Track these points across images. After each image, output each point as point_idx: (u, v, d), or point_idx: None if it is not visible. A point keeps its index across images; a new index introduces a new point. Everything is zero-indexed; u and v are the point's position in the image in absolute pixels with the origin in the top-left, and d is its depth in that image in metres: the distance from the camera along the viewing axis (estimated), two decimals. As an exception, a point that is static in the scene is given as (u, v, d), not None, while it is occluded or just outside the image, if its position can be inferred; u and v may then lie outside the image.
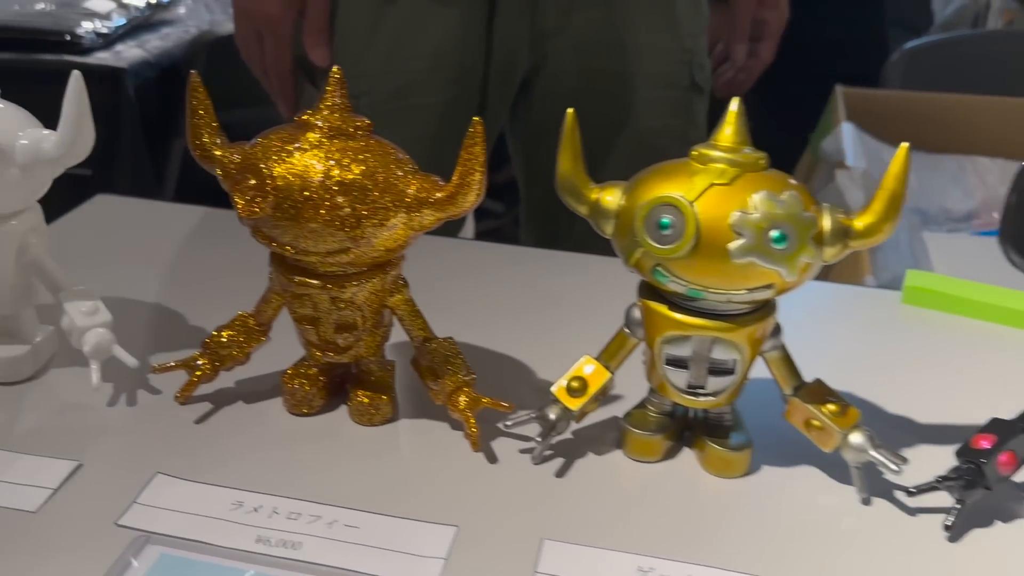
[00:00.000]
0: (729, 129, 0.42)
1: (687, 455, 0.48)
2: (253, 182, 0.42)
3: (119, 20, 1.29)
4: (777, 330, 0.44)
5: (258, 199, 0.42)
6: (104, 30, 1.25)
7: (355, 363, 0.49)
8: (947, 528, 0.42)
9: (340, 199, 0.41)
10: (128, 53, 1.24)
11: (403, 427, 0.49)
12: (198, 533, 0.41)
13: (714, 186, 0.40)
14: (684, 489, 0.45)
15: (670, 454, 0.48)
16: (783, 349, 0.45)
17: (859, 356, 0.60)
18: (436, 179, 0.43)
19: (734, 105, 0.42)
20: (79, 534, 0.40)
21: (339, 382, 0.51)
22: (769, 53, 0.98)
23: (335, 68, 0.44)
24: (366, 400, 0.48)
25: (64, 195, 0.55)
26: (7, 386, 0.50)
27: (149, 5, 1.38)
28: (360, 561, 0.39)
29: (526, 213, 0.95)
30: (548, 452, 0.47)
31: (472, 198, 0.42)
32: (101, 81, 1.17)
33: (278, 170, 0.42)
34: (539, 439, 0.45)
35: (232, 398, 0.50)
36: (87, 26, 1.23)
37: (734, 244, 0.39)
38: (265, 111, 0.93)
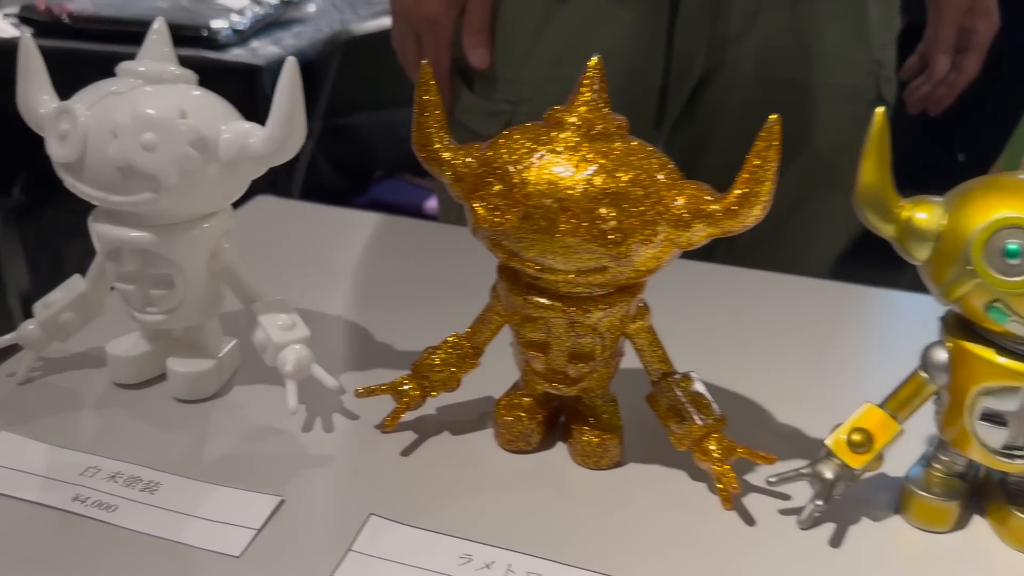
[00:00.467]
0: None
1: (980, 525, 0.40)
2: (498, 188, 0.36)
3: (254, 16, 1.27)
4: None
5: (502, 208, 0.36)
6: (240, 26, 1.23)
7: (577, 396, 0.43)
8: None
9: (604, 210, 0.35)
10: (264, 50, 1.21)
11: (634, 473, 0.43)
12: (427, 593, 0.35)
13: (1072, 206, 0.32)
14: (982, 566, 0.38)
15: (961, 523, 0.40)
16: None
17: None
18: (709, 189, 0.37)
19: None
20: (294, 587, 0.35)
21: (555, 416, 0.44)
22: (975, 66, 0.88)
23: (593, 60, 0.38)
24: (595, 440, 0.42)
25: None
26: (190, 404, 0.46)
27: (281, 2, 1.35)
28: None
29: None
30: (817, 515, 0.39)
31: (758, 212, 0.36)
32: (238, 78, 1.14)
33: (529, 175, 0.36)
34: (819, 503, 0.38)
35: (436, 428, 0.45)
36: (222, 22, 1.21)
37: (1104, 278, 0.31)
38: (400, 113, 0.89)
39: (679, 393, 0.40)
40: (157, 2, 1.27)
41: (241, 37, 1.23)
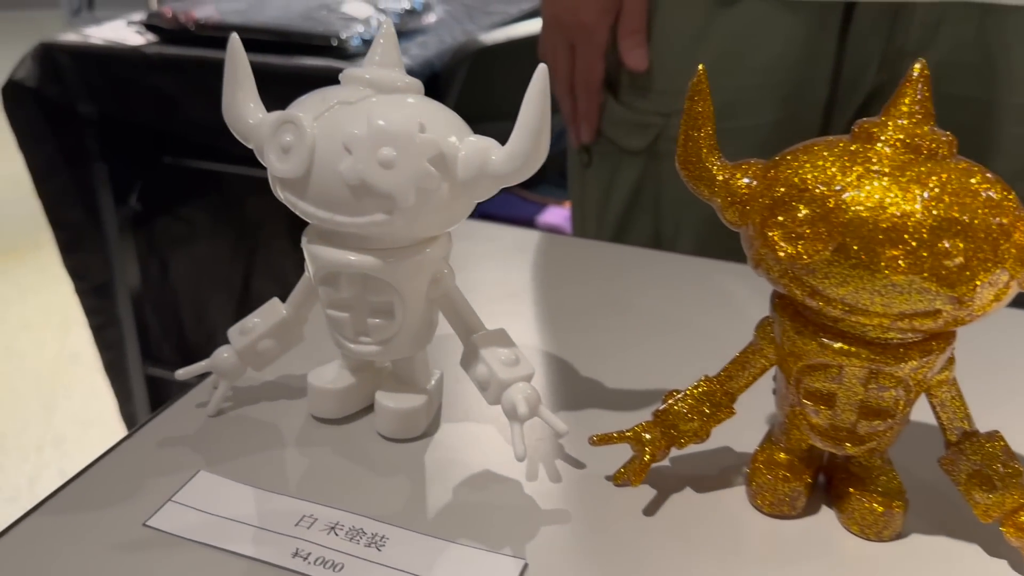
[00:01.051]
0: None
1: None
2: (806, 213, 0.31)
3: (379, 26, 1.25)
4: None
5: (810, 238, 0.30)
6: (368, 36, 1.20)
7: (848, 455, 0.37)
8: None
9: (949, 243, 0.29)
10: (391, 60, 1.18)
11: (919, 545, 0.37)
12: None
13: None
14: None
15: None
16: None
17: None
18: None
19: None
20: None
21: (815, 475, 0.39)
22: None
23: (920, 63, 0.33)
24: (880, 509, 0.36)
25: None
26: (400, 443, 0.41)
27: (405, 12, 1.33)
28: None
29: None
30: None
31: None
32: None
33: (847, 198, 0.30)
34: None
35: (675, 483, 0.40)
36: (351, 31, 1.18)
37: None
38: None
39: (989, 459, 0.34)
40: (279, 11, 1.25)
41: (368, 47, 1.20)
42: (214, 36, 1.19)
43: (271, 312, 0.43)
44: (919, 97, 0.32)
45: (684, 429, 0.38)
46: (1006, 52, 0.68)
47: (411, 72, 1.27)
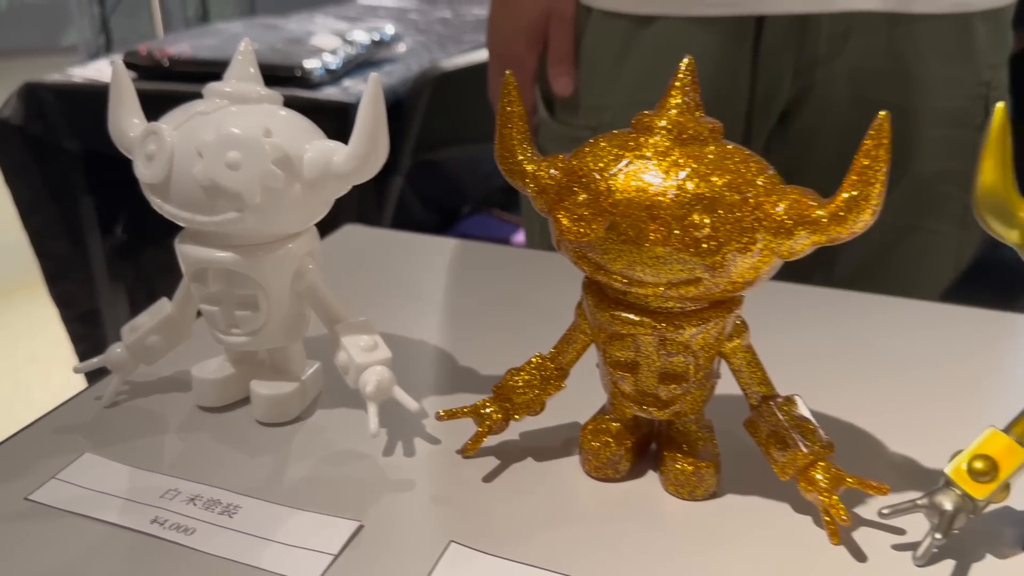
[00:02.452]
0: None
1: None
2: (584, 197, 0.34)
3: (346, 56, 1.30)
4: None
5: (588, 218, 0.34)
6: (332, 66, 1.25)
7: (669, 421, 0.41)
8: None
9: (697, 217, 0.33)
10: (356, 89, 1.24)
11: (731, 505, 0.40)
12: (509, 627, 0.33)
13: None
14: None
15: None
16: None
17: None
18: (814, 194, 0.34)
19: None
20: (370, 616, 0.33)
21: (645, 442, 0.42)
22: None
23: (686, 60, 0.36)
24: (689, 468, 0.39)
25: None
26: (273, 427, 0.45)
27: (373, 43, 1.38)
28: None
29: None
30: (935, 550, 0.36)
31: (867, 217, 0.33)
32: (329, 116, 1.16)
33: (615, 183, 0.34)
34: (938, 536, 0.35)
35: (520, 453, 0.43)
36: (315, 62, 1.24)
37: None
38: (486, 148, 0.88)
39: (782, 418, 0.38)
40: (253, 43, 1.30)
41: (333, 76, 1.25)
42: (187, 71, 1.25)
43: (158, 310, 0.47)
44: (687, 89, 0.36)
45: (518, 402, 0.41)
46: (919, 58, 0.71)
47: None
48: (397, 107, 1.26)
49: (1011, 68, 0.82)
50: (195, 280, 0.44)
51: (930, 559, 0.35)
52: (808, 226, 0.33)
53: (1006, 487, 0.35)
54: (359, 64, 1.33)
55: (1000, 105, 0.33)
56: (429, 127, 1.29)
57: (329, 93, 1.21)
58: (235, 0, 3.99)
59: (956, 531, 0.35)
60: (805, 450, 0.37)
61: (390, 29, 1.44)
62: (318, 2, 2.07)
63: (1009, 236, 0.33)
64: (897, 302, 0.60)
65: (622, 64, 0.74)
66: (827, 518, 0.37)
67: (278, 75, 1.20)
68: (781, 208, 0.34)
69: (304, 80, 1.21)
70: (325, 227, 0.72)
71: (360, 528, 0.38)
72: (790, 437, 0.37)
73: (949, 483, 0.35)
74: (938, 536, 0.35)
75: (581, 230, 0.34)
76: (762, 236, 0.34)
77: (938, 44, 0.71)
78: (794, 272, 0.78)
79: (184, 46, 1.33)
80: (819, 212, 0.33)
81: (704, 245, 0.33)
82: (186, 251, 0.43)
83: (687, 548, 0.37)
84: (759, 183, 0.34)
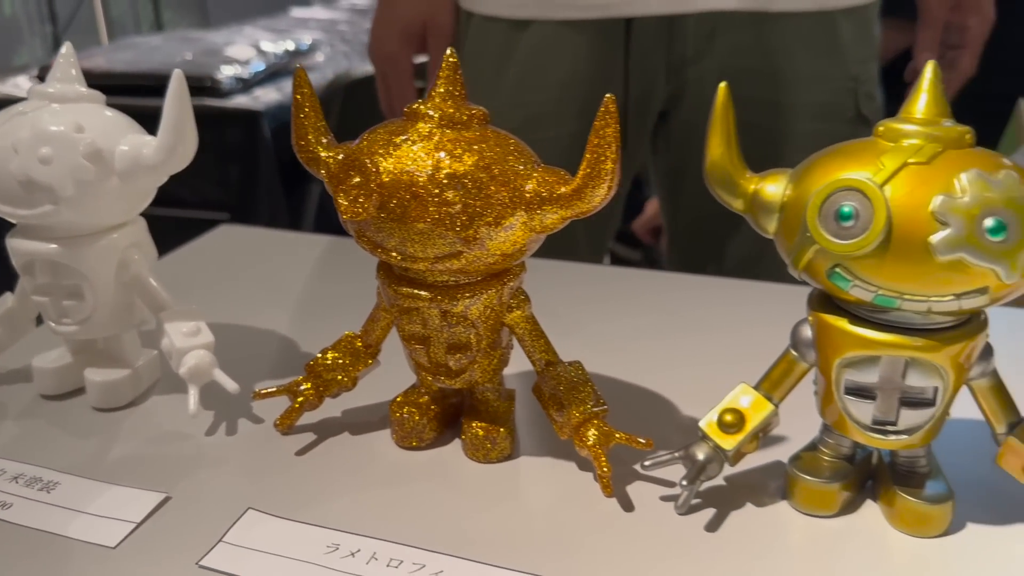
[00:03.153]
0: (924, 98, 0.34)
1: (871, 509, 0.39)
2: (357, 180, 0.37)
3: (258, 66, 1.32)
4: (988, 352, 0.35)
5: (362, 198, 0.37)
6: (244, 75, 1.27)
7: (471, 391, 0.43)
8: None
9: (450, 194, 0.35)
10: (266, 97, 1.26)
11: (523, 465, 0.42)
12: (287, 579, 0.35)
13: (909, 165, 0.32)
14: (869, 550, 0.37)
15: (850, 507, 0.39)
16: (995, 376, 0.36)
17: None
18: (562, 172, 0.37)
19: (929, 71, 0.34)
20: (157, 574, 0.36)
21: (454, 413, 0.45)
22: (970, 64, 0.86)
23: (449, 50, 0.39)
24: (481, 433, 0.42)
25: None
26: (105, 413, 0.47)
27: (288, 52, 1.41)
28: (470, 622, 0.33)
29: (670, 248, 0.88)
30: (696, 501, 0.39)
31: (603, 191, 0.36)
32: (239, 123, 1.18)
33: (384, 165, 0.37)
34: (685, 484, 0.38)
35: (338, 429, 0.45)
36: (227, 72, 1.26)
37: (937, 236, 0.31)
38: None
39: (560, 382, 0.40)
40: (166, 57, 1.33)
41: (245, 85, 1.27)
42: (102, 84, 1.27)
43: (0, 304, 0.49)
44: (453, 79, 0.38)
45: (328, 378, 0.43)
46: (787, 55, 0.74)
47: (284, 105, 1.34)
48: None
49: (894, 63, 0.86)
50: (25, 273, 0.46)
51: (688, 508, 0.38)
52: (554, 202, 0.36)
53: (754, 438, 0.38)
54: (273, 73, 1.35)
55: (722, 85, 0.36)
56: (343, 133, 1.31)
57: (239, 102, 1.23)
58: (189, 15, 3.99)
59: (706, 479, 0.38)
60: (578, 411, 0.40)
61: (307, 40, 1.46)
62: (268, 12, 2.08)
63: (735, 204, 0.36)
64: (735, 284, 0.63)
65: (503, 66, 0.76)
66: (600, 472, 0.39)
67: (190, 85, 1.22)
68: (530, 186, 0.36)
69: (214, 90, 1.23)
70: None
71: (167, 499, 0.40)
72: (566, 399, 0.40)
73: (703, 436, 0.38)
74: (684, 483, 0.37)
75: (356, 209, 0.37)
76: (513, 212, 0.36)
77: (804, 41, 0.74)
78: (690, 263, 0.81)
79: (100, 60, 1.35)
80: (563, 189, 0.36)
81: (457, 220, 0.35)
82: (14, 245, 0.45)
83: (475, 505, 0.39)
84: (511, 162, 0.37)
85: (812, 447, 0.40)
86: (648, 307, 0.60)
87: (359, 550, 0.37)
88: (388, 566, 0.36)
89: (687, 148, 0.78)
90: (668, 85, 0.76)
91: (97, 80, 1.28)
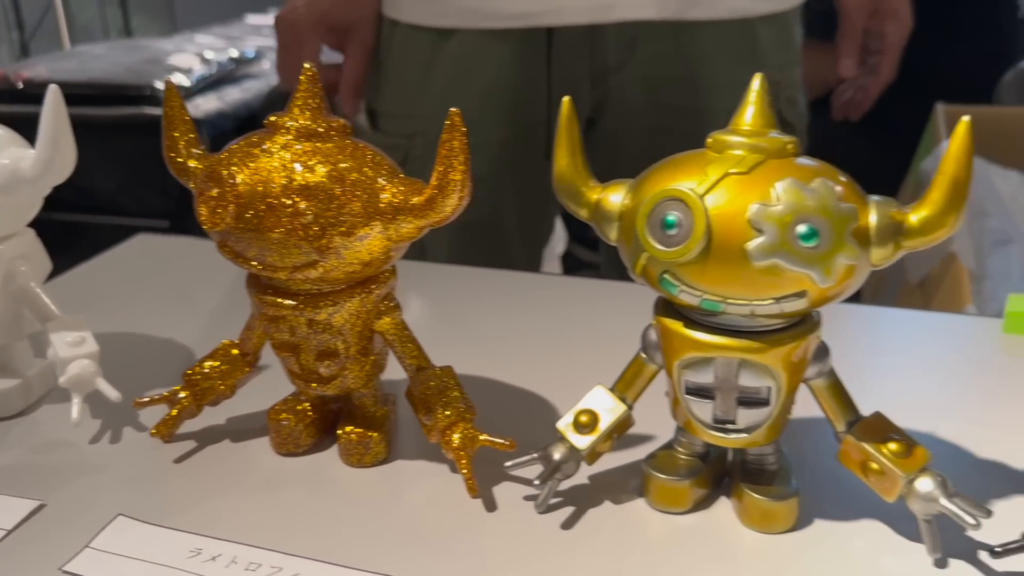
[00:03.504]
0: (751, 110, 0.35)
1: (724, 506, 0.40)
2: (216, 191, 0.38)
3: (201, 74, 1.32)
4: (823, 352, 0.37)
5: (220, 209, 0.38)
6: (185, 83, 1.28)
7: (348, 397, 0.44)
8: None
9: (303, 205, 0.36)
10: (206, 105, 1.26)
11: (398, 469, 0.44)
12: (146, 583, 0.36)
13: (730, 176, 0.33)
14: (720, 545, 0.38)
15: (703, 504, 0.40)
16: (832, 376, 0.37)
17: (949, 390, 0.51)
18: (418, 183, 0.38)
19: (756, 83, 0.36)
20: (18, 581, 0.36)
21: (334, 419, 0.46)
22: (889, 69, 0.88)
23: (307, 65, 0.40)
24: (355, 438, 0.43)
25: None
26: (-3, 422, 0.48)
27: (232, 59, 1.41)
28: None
29: (605, 253, 0.89)
30: (557, 500, 0.40)
31: (453, 201, 0.37)
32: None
33: (241, 176, 0.38)
34: (538, 483, 0.39)
35: (219, 436, 0.46)
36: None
37: (753, 243, 0.32)
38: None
39: (430, 387, 0.41)
40: (109, 65, 1.33)
41: (187, 93, 1.28)
42: (42, 93, 1.26)
43: None
44: (312, 92, 0.39)
45: (206, 387, 0.44)
46: (706, 63, 0.76)
47: (224, 113, 1.34)
48: (252, 120, 1.29)
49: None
50: (-86, 284, 0.46)
51: (546, 506, 0.39)
52: (408, 212, 0.38)
53: (608, 437, 0.39)
54: (216, 81, 1.35)
55: (566, 100, 0.37)
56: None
57: (180, 110, 1.23)
58: (158, 21, 3.98)
59: (563, 477, 0.39)
60: (445, 414, 0.41)
61: (253, 47, 1.47)
62: (237, 16, 2.08)
63: (581, 213, 0.38)
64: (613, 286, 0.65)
65: (429, 74, 0.77)
66: (462, 473, 0.40)
67: (130, 94, 1.23)
68: (385, 197, 0.38)
69: (154, 98, 1.23)
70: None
71: (41, 506, 0.41)
72: (434, 403, 0.41)
73: (560, 436, 0.39)
74: (536, 482, 0.39)
75: (215, 219, 0.38)
76: (367, 222, 0.37)
77: (723, 48, 0.76)
78: (622, 269, 0.83)
79: (41, 69, 1.35)
80: (415, 199, 0.37)
81: (310, 230, 0.36)
82: None
83: (343, 509, 0.40)
84: (366, 174, 0.38)
85: (668, 446, 0.41)
86: (564, 314, 0.61)
87: (220, 554, 0.37)
88: (247, 569, 0.37)
89: (614, 154, 0.79)
90: (593, 93, 0.77)
91: (39, 90, 1.28)
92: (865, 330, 0.57)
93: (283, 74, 0.83)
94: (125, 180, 1.22)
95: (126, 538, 0.39)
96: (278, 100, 1.31)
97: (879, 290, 0.84)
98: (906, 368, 0.53)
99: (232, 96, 1.31)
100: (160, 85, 1.24)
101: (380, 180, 0.38)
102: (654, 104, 0.76)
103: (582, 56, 0.75)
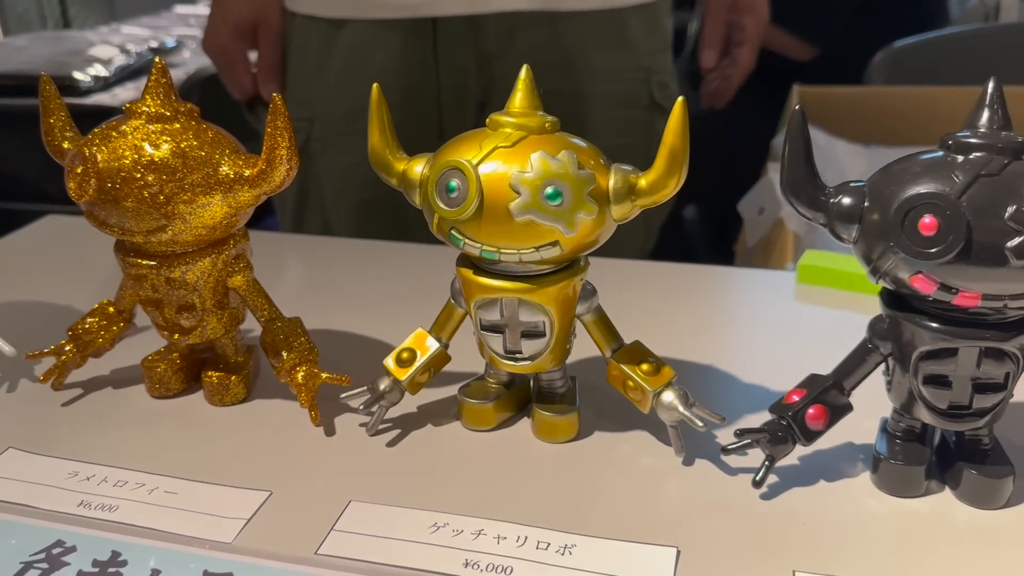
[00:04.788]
0: (519, 95, 0.43)
1: (524, 424, 0.48)
2: (80, 168, 0.44)
3: (121, 64, 1.37)
4: (589, 293, 0.45)
5: (84, 183, 0.44)
6: (104, 74, 1.32)
7: (212, 346, 0.51)
8: (754, 483, 0.41)
9: (150, 177, 0.43)
10: (125, 95, 1.31)
11: (257, 406, 0.51)
12: (27, 498, 0.43)
13: (498, 149, 0.41)
14: (516, 454, 0.46)
15: (506, 424, 0.48)
16: (598, 311, 0.45)
17: (744, 331, 0.59)
18: (252, 158, 0.45)
19: (523, 72, 0.43)
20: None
21: (201, 366, 0.52)
22: (748, 59, 0.96)
23: (156, 59, 0.47)
24: (215, 380, 0.50)
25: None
26: (-99, 379, 0.54)
27: (152, 50, 1.46)
28: (170, 522, 0.41)
29: None
30: (386, 425, 0.48)
31: (281, 173, 0.44)
32: (96, 121, 1.23)
33: (101, 155, 0.44)
34: (362, 407, 0.46)
35: (102, 384, 0.53)
36: (87, 71, 1.31)
37: (514, 203, 0.40)
38: (254, 146, 0.98)
39: (279, 334, 0.49)
40: (30, 57, 1.37)
41: (105, 84, 1.32)
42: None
43: None
44: (162, 79, 0.46)
45: (87, 340, 0.51)
46: (581, 50, 0.83)
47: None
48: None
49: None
50: None
51: (377, 430, 0.47)
52: (244, 182, 0.45)
53: (426, 370, 0.47)
54: (136, 71, 1.40)
55: (375, 87, 0.44)
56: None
57: (99, 99, 1.28)
58: (97, 11, 3.95)
59: (389, 404, 0.47)
60: (290, 356, 0.48)
61: (173, 37, 1.51)
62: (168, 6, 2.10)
63: (392, 182, 0.45)
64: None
65: (325, 61, 0.84)
66: (302, 404, 0.48)
67: (49, 84, 1.27)
68: (223, 169, 0.45)
69: (74, 88, 1.27)
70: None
71: (-60, 444, 0.47)
72: (282, 347, 0.48)
73: (385, 371, 0.47)
74: (361, 407, 0.46)
75: (80, 192, 0.44)
76: (208, 192, 0.44)
77: (595, 37, 0.83)
78: None
79: (-39, 60, 1.38)
80: (247, 172, 0.45)
81: (157, 199, 0.43)
82: None
83: (204, 437, 0.48)
84: (206, 150, 0.45)
85: (480, 378, 0.49)
86: (427, 281, 0.68)
87: (93, 475, 0.44)
88: (115, 486, 0.44)
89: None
90: (480, 78, 0.84)
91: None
92: (678, 286, 0.66)
93: (233, 92, 0.90)
94: (47, 168, 1.26)
95: (16, 466, 0.45)
96: (195, 88, 1.36)
97: (744, 257, 0.93)
98: (711, 315, 0.61)
99: (151, 85, 1.37)
100: (80, 76, 1.29)
101: (218, 156, 0.45)
102: (540, 88, 0.83)
103: (466, 44, 0.82)
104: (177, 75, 1.43)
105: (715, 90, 1.00)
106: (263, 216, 1.65)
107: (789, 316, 0.61)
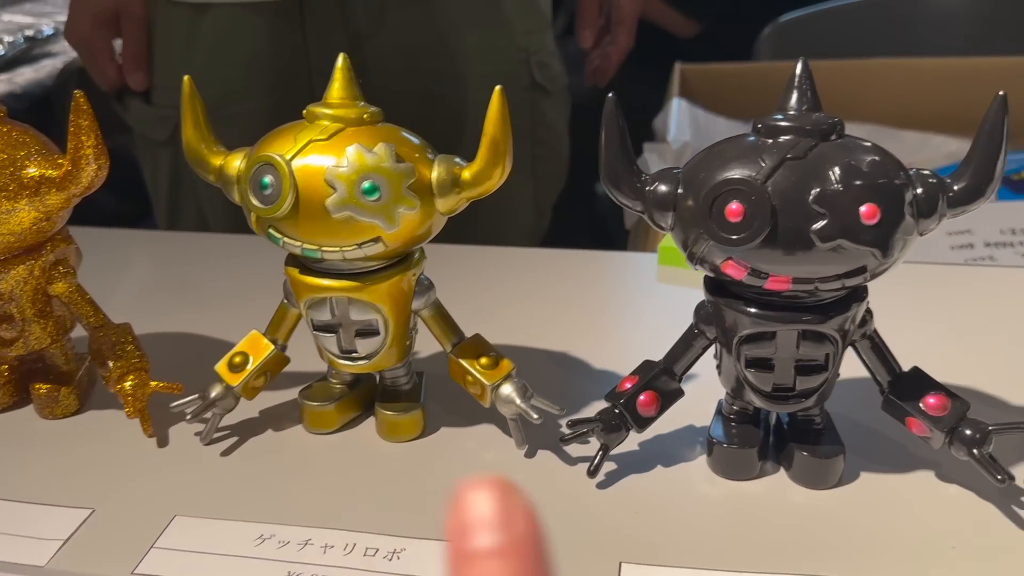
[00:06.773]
0: (336, 85, 0.41)
1: (369, 424, 0.47)
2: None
3: (-9, 54, 1.30)
4: (425, 288, 0.44)
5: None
6: (-27, 64, 1.26)
7: (43, 356, 0.49)
8: (589, 473, 0.41)
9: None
10: (-3, 87, 1.24)
11: (92, 418, 0.48)
12: None
13: (313, 142, 0.39)
14: (359, 455, 0.44)
15: (350, 425, 0.47)
16: (436, 306, 0.44)
17: (607, 313, 0.59)
18: (55, 158, 0.43)
19: (340, 61, 0.42)
20: None
21: (31, 377, 0.50)
22: (626, 38, 0.96)
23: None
24: (43, 392, 0.47)
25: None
26: None
27: (27, 38, 1.39)
28: (-20, 549, 0.39)
29: None
30: (223, 433, 0.46)
31: (89, 173, 0.42)
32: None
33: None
34: (189, 418, 0.45)
35: None
36: (-45, 62, 1.24)
37: (330, 199, 0.38)
38: (129, 139, 0.94)
39: (106, 342, 0.46)
40: None
41: (-25, 74, 1.26)
42: None
43: None
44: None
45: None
46: (456, 30, 0.81)
47: (20, 94, 1.32)
48: (46, 99, 1.28)
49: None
50: None
51: (211, 439, 0.45)
52: (51, 184, 0.42)
53: (261, 375, 0.45)
54: (9, 62, 1.33)
55: (186, 79, 0.42)
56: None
57: (-35, 93, 1.21)
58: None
59: (223, 412, 0.45)
60: (118, 365, 0.46)
61: (48, 26, 1.44)
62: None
63: (209, 178, 0.43)
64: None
65: (191, 47, 0.80)
66: (127, 413, 0.45)
67: (-89, 77, 1.20)
68: (29, 173, 0.42)
69: (-63, 81, 1.20)
70: None
71: None
72: (109, 355, 0.46)
73: (216, 376, 0.45)
74: (189, 417, 0.44)
75: None
76: (14, 196, 0.42)
77: (469, 17, 0.81)
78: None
79: None
80: (53, 173, 0.42)
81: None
82: None
83: (39, 459, 0.45)
84: (8, 153, 0.42)
85: (324, 379, 0.47)
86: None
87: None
88: (-77, 512, 0.41)
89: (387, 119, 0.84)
90: (353, 60, 0.82)
91: None
92: (541, 271, 0.65)
93: (100, 83, 0.86)
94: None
95: None
96: (72, 77, 1.30)
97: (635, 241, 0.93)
98: (572, 300, 0.61)
99: (25, 76, 1.30)
100: (-58, 67, 1.22)
101: (21, 158, 0.42)
102: (414, 70, 0.81)
103: (335, 25, 0.79)
104: (52, 64, 1.37)
105: (596, 68, 0.99)
106: (145, 215, 1.60)
107: (650, 299, 0.61)
